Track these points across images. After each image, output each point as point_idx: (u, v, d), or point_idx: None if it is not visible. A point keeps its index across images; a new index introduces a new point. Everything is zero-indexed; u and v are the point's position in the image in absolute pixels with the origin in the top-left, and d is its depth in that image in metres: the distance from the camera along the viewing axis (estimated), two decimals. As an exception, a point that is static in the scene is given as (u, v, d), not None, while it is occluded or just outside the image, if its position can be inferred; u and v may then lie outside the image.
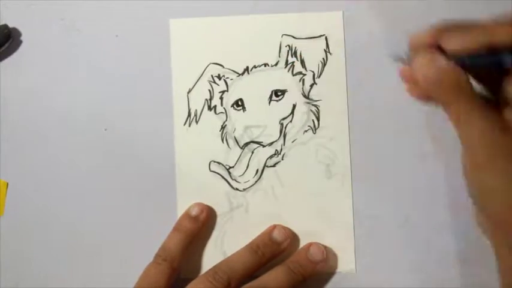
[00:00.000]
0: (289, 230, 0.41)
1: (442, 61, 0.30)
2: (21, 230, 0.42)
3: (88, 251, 0.42)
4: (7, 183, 0.42)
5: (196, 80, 0.42)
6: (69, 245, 0.42)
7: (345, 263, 0.41)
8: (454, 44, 0.30)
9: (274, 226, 0.41)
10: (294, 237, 0.41)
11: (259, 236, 0.41)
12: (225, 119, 0.42)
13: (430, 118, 0.42)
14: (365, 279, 0.41)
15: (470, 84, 0.30)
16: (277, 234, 0.41)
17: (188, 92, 0.42)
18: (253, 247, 0.40)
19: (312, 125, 0.42)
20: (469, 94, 0.30)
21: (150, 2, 0.43)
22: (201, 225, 0.41)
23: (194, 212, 0.41)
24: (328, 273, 0.41)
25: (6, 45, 0.42)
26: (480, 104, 0.30)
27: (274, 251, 0.40)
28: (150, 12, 0.43)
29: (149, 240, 0.41)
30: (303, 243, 0.41)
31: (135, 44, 0.43)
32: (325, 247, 0.41)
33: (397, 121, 0.42)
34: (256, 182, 0.42)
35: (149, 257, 0.40)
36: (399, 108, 0.42)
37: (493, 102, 0.31)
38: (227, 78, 0.42)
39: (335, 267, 0.41)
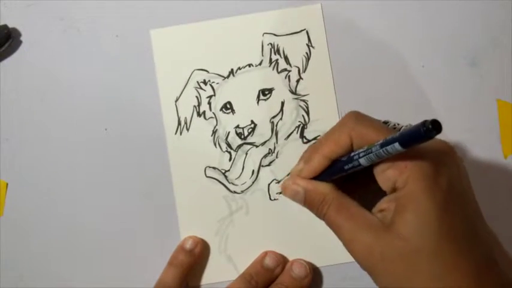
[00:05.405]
0: (281, 255, 0.41)
1: (299, 184, 0.33)
2: (21, 230, 0.42)
3: (87, 251, 0.42)
4: (7, 183, 0.42)
5: (182, 88, 0.42)
6: (69, 244, 0.42)
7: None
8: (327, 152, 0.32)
9: (266, 253, 0.41)
10: (286, 262, 0.41)
11: (251, 265, 0.41)
12: (215, 123, 0.42)
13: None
14: (365, 279, 0.41)
15: (340, 195, 0.31)
16: (269, 261, 0.40)
17: (176, 101, 0.42)
18: (246, 277, 0.40)
19: (303, 120, 0.42)
20: (338, 206, 0.31)
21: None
22: (196, 259, 0.41)
23: (188, 246, 0.40)
24: (328, 272, 0.41)
25: (6, 45, 0.42)
26: (352, 212, 0.30)
27: (267, 278, 0.40)
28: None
29: (149, 240, 0.41)
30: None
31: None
32: (308, 262, 0.40)
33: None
34: (253, 182, 0.42)
35: (148, 257, 0.40)
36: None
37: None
38: (213, 82, 0.42)
39: (335, 261, 0.41)
